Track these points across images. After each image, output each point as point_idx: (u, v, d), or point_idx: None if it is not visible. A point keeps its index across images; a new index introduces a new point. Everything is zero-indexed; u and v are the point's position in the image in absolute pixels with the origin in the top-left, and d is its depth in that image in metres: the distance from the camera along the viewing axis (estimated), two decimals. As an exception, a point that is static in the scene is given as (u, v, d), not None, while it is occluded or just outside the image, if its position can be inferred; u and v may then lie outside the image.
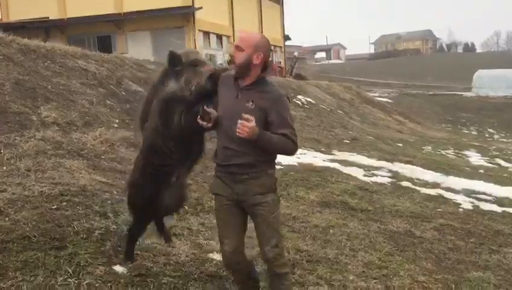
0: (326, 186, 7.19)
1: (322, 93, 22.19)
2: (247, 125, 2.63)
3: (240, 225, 2.93)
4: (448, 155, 14.76)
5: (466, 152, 15.90)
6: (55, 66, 8.84)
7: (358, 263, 4.27)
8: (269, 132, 2.75)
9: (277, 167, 8.06)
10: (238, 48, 2.81)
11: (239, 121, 2.64)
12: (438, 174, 10.12)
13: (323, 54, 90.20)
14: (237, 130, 2.65)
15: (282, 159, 8.71)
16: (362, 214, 5.96)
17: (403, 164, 10.70)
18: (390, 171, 9.55)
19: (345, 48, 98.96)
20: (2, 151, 5.19)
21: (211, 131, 2.93)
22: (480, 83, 36.61)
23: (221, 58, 27.97)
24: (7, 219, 3.80)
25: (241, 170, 2.81)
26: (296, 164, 8.71)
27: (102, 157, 6.11)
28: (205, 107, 2.80)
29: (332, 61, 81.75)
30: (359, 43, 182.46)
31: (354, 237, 4.97)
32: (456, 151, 15.86)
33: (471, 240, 5.43)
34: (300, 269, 3.92)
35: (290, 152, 2.93)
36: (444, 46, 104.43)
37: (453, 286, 4.03)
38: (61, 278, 3.05)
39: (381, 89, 42.24)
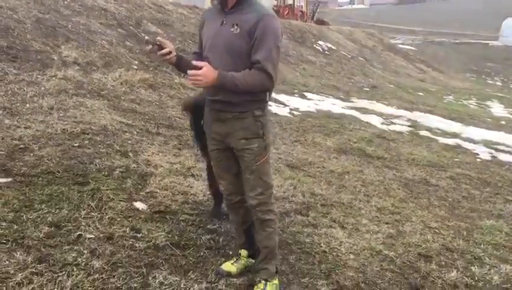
0: (344, 133, 7.19)
1: (343, 39, 21.67)
2: (196, 73, 2.29)
3: (233, 167, 2.71)
4: (470, 105, 14.51)
5: (489, 103, 15.61)
6: (75, 5, 8.77)
7: (372, 208, 4.35)
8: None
9: (295, 112, 8.17)
10: None
11: (188, 72, 2.32)
12: (458, 124, 10.02)
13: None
14: (189, 82, 2.37)
15: (299, 104, 8.73)
16: (378, 161, 5.99)
17: (422, 113, 10.59)
18: (409, 120, 9.48)
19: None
20: (25, 89, 5.27)
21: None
22: (508, 32, 35.27)
23: None
24: (32, 154, 3.92)
25: (225, 108, 2.52)
26: (314, 110, 8.69)
27: (122, 98, 6.17)
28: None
29: (356, 6, 79.14)
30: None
31: (369, 183, 5.03)
32: (479, 101, 15.57)
33: (487, 190, 5.45)
34: (314, 212, 4.01)
35: (265, 87, 2.47)
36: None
37: (465, 232, 4.09)
38: (84, 212, 3.18)
39: (405, 36, 41.03)
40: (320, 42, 18.61)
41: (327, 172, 5.14)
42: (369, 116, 9.03)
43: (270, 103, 2.68)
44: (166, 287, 2.63)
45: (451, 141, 8.03)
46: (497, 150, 7.88)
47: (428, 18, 55.11)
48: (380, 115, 9.50)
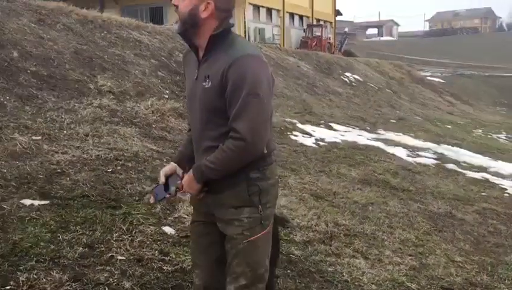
0: (369, 164, 7.24)
1: (370, 71, 21.83)
2: (182, 192, 2.03)
3: (215, 250, 2.10)
4: (499, 139, 14.34)
5: (519, 137, 15.37)
6: (111, 37, 9.20)
7: (395, 240, 4.38)
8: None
9: (320, 143, 8.27)
10: None
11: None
12: (486, 158, 9.92)
13: (375, 31, 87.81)
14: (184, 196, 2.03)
15: (325, 135, 8.84)
16: (403, 193, 6.01)
17: (450, 146, 10.54)
18: (435, 153, 9.45)
19: (398, 25, 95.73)
20: (63, 116, 5.56)
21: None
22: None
23: (270, 32, 27.92)
24: (68, 178, 4.14)
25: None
26: (339, 141, 8.78)
27: (153, 126, 6.41)
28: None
29: (384, 38, 79.44)
30: (413, 20, 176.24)
31: (393, 215, 5.06)
32: (509, 135, 15.35)
33: (514, 225, 5.39)
34: (337, 242, 4.07)
35: (246, 158, 1.91)
36: (504, 25, 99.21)
37: (489, 267, 4.07)
38: (116, 234, 3.34)
39: (434, 68, 40.89)
40: (347, 74, 18.80)
41: (351, 203, 5.20)
42: (395, 148, 9.04)
43: (274, 161, 2.09)
44: (192, 309, 2.74)
45: (478, 175, 7.96)
46: (526, 185, 7.77)
47: (458, 50, 54.89)
48: (406, 147, 9.51)
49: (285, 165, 6.22)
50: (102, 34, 9.11)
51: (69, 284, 2.68)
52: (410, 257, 4.03)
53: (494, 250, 4.56)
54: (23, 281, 2.63)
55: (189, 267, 3.15)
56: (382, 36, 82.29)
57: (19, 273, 2.70)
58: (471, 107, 23.97)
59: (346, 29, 42.62)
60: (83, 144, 5.04)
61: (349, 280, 3.43)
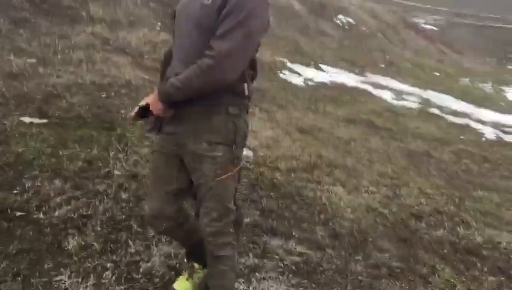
0: (355, 105, 7.47)
1: (364, 14, 21.55)
2: (150, 112, 1.96)
3: (173, 181, 2.05)
4: (485, 89, 14.60)
5: (505, 88, 15.65)
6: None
7: (373, 173, 4.68)
8: None
9: (309, 82, 8.43)
10: None
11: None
12: (470, 105, 10.21)
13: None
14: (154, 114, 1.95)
15: (314, 75, 8.97)
16: (385, 132, 6.29)
17: (435, 92, 10.78)
18: (420, 97, 9.69)
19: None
20: (56, 41, 5.61)
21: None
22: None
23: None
24: (64, 101, 4.29)
25: (190, 100, 1.89)
26: (328, 82, 8.94)
27: (145, 56, 6.49)
28: None
29: (381, -19, 77.33)
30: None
31: (373, 151, 5.34)
32: (495, 85, 15.62)
33: (486, 165, 5.74)
34: (319, 171, 4.35)
35: (208, 80, 1.81)
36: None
37: (457, 200, 4.41)
38: (112, 153, 3.55)
39: (429, 15, 40.40)
40: (340, 16, 18.60)
41: (334, 138, 5.46)
42: (382, 91, 9.27)
43: (251, 103, 2.05)
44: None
45: (460, 120, 8.27)
46: (504, 132, 8.11)
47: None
48: (393, 90, 9.73)
49: (273, 101, 6.41)
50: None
51: (71, 192, 2.92)
52: (385, 187, 4.34)
53: (464, 185, 4.90)
54: (28, 187, 2.86)
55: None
56: (379, -20, 80.00)
57: (23, 180, 2.93)
58: (462, 56, 24.02)
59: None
60: (77, 69, 5.16)
61: (327, 203, 3.72)
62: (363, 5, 24.16)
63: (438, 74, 14.97)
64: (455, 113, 8.87)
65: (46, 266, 2.31)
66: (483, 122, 8.53)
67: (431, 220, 3.87)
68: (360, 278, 2.84)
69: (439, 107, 9.12)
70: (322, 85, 8.48)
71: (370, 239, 3.33)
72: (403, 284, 2.88)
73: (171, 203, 2.06)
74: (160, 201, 2.06)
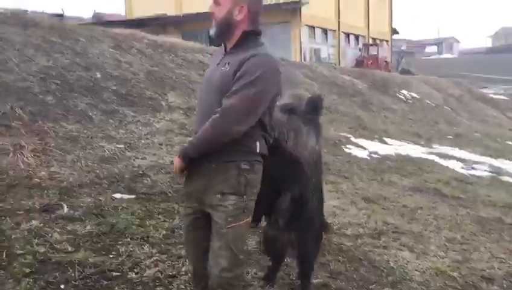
0: (421, 175, 7.53)
1: (428, 88, 21.70)
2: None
3: (202, 243, 2.28)
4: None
5: None
6: (178, 59, 10.09)
7: (441, 238, 4.71)
8: None
9: (373, 155, 8.63)
10: (215, 2, 2.23)
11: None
12: (546, 172, 9.82)
13: (434, 48, 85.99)
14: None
15: (379, 148, 9.17)
16: (453, 200, 6.28)
17: (507, 161, 10.51)
18: (491, 166, 9.51)
19: (458, 42, 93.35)
20: (140, 128, 6.33)
21: None
22: None
23: (325, 52, 28.43)
24: (148, 179, 4.84)
25: (208, 158, 2.15)
26: (393, 154, 9.08)
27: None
28: None
29: (444, 55, 77.61)
30: (475, 36, 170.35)
31: (441, 218, 5.37)
32: None
33: None
34: (385, 237, 4.47)
35: (215, 134, 2.10)
36: None
37: (532, 263, 4.31)
38: (191, 222, 3.95)
39: (497, 85, 39.64)
40: (403, 91, 18.87)
41: (400, 206, 5.56)
42: (449, 161, 9.22)
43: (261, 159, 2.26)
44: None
45: (534, 187, 7.99)
46: None
47: (522, 67, 52.67)
48: (461, 160, 9.63)
49: (339, 173, 6.67)
50: (171, 57, 10.00)
51: (158, 256, 3.30)
52: (454, 252, 4.36)
53: (540, 250, 4.76)
54: (122, 251, 3.29)
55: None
56: (442, 54, 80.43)
57: (118, 246, 3.36)
58: (536, 124, 23.13)
59: (404, 47, 42.35)
60: (158, 151, 5.76)
61: (395, 267, 3.83)
62: (427, 80, 24.38)
63: (509, 143, 14.55)
64: (530, 181, 8.60)
65: (139, 317, 2.64)
66: (561, 189, 8.18)
67: (503, 283, 3.83)
68: (430, 336, 2.91)
69: (512, 175, 8.89)
70: (387, 157, 8.63)
71: (440, 301, 3.38)
72: None
73: (202, 265, 2.26)
74: (198, 258, 2.31)
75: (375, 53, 30.72)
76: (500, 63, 57.16)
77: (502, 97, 30.26)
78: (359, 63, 28.82)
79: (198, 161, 2.17)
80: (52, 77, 6.52)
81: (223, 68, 2.17)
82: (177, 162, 2.22)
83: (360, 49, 31.75)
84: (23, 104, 5.53)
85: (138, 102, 7.20)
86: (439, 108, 18.67)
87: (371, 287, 3.44)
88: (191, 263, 2.39)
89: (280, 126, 2.56)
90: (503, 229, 5.32)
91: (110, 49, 8.75)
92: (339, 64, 26.26)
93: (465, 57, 75.73)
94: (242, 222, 2.17)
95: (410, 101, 17.70)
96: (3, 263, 2.91)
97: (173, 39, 11.75)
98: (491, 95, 29.45)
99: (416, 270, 3.83)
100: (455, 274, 3.86)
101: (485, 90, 31.00)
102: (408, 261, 3.97)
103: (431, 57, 73.70)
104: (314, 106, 2.95)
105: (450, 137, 13.43)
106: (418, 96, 18.91)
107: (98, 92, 6.88)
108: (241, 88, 2.06)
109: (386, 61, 31.80)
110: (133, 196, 4.35)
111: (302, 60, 23.06)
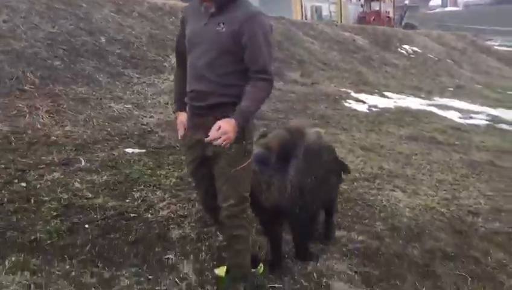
0: (418, 125, 7.79)
1: (430, 42, 21.60)
2: (216, 136, 2.21)
3: (206, 182, 2.54)
4: None
5: None
6: (178, 21, 10.14)
7: (433, 180, 5.02)
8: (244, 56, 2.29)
9: (373, 108, 8.87)
10: None
11: (207, 139, 2.24)
12: (544, 120, 10.02)
13: (438, 1, 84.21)
14: (220, 144, 2.22)
15: (378, 102, 9.40)
16: (448, 146, 6.56)
17: (505, 110, 10.71)
18: (489, 115, 9.73)
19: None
20: (146, 89, 6.60)
21: None
22: None
23: (326, 9, 28.15)
24: (157, 135, 5.15)
25: (206, 111, 2.36)
26: (392, 106, 9.31)
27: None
28: None
29: (449, 8, 76.08)
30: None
31: (434, 163, 5.67)
32: None
33: (552, 171, 5.82)
34: (380, 180, 4.79)
35: (268, 95, 2.38)
36: None
37: (518, 201, 4.63)
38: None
39: (503, 37, 39.15)
40: (405, 46, 18.84)
41: (396, 153, 5.86)
42: (448, 112, 9.44)
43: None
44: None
45: (530, 134, 8.24)
46: None
47: (529, 17, 51.71)
48: (460, 111, 9.85)
49: (338, 125, 6.94)
50: (171, 20, 10.12)
51: (169, 199, 3.64)
52: (444, 192, 4.69)
53: (527, 189, 5.07)
54: (137, 197, 3.63)
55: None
56: (446, 7, 78.78)
57: (133, 193, 3.70)
58: (540, 74, 23.07)
59: (407, 2, 41.65)
60: (164, 110, 6.06)
61: (387, 205, 4.16)
62: (429, 33, 24.20)
63: (511, 93, 14.67)
64: (526, 128, 8.83)
65: (156, 249, 2.99)
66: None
67: (488, 216, 4.16)
68: (415, 259, 3.26)
69: (509, 123, 9.11)
70: (386, 110, 8.86)
71: (427, 231, 3.72)
72: (456, 264, 3.25)
73: (210, 197, 2.53)
74: (204, 194, 2.61)
75: (378, 8, 30.34)
76: (505, 14, 56.12)
77: (508, 49, 30.02)
78: (361, 19, 28.54)
79: (204, 114, 2.37)
80: (59, 42, 6.75)
81: (218, 28, 2.27)
82: (232, 127, 2.23)
83: (362, 5, 31.34)
84: (33, 69, 5.80)
85: (142, 64, 7.43)
86: (442, 62, 18.68)
87: (363, 221, 3.77)
88: (201, 198, 2.72)
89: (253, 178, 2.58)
90: (492, 171, 5.62)
91: (112, 14, 8.90)
92: (341, 22, 26.05)
93: (469, 8, 74.21)
94: (245, 164, 2.40)
95: (412, 56, 17.71)
96: (33, 208, 3.25)
97: (172, 1, 11.80)
98: (496, 47, 29.22)
99: (407, 207, 4.16)
100: (443, 210, 4.18)
101: (490, 43, 30.72)
102: (400, 200, 4.29)
103: (435, 10, 72.32)
104: (287, 152, 2.87)
105: (451, 89, 13.58)
106: (420, 51, 18.89)
107: (104, 56, 7.11)
108: (263, 49, 2.28)
109: (388, 17, 31.42)
110: (143, 150, 4.67)
111: (303, 19, 22.90)
